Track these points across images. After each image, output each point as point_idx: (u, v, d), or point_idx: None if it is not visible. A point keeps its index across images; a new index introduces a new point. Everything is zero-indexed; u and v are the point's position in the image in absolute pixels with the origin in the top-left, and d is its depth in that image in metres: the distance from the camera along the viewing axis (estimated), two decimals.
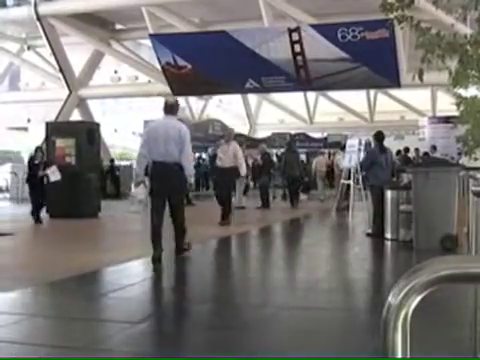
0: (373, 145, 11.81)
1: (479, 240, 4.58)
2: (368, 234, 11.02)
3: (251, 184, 24.30)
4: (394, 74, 22.54)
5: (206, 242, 10.72)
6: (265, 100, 44.13)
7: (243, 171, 13.99)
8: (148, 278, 7.63)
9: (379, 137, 11.42)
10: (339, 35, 21.81)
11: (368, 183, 11.64)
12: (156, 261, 7.87)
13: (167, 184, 8.06)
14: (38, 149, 15.12)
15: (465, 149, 19.23)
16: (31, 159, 14.99)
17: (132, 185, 7.45)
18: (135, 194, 8.07)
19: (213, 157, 20.35)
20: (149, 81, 30.94)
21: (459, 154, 21.06)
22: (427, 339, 3.95)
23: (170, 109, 8.44)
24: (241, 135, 33.43)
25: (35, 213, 14.18)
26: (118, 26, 31.46)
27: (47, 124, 17.29)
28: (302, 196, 20.93)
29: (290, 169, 18.98)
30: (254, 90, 27.71)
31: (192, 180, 9.25)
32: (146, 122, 33.17)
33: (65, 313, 5.66)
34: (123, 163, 32.89)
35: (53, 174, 14.30)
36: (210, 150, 29.38)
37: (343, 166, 16.93)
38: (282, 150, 24.14)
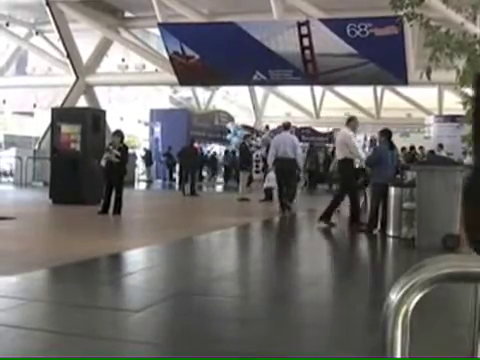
0: (381, 142, 11.64)
1: None
2: (362, 230, 10.98)
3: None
4: (402, 71, 22.49)
5: (210, 233, 10.79)
6: (272, 93, 44.02)
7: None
8: (149, 267, 7.65)
9: (388, 134, 11.37)
10: (348, 30, 21.76)
11: (372, 180, 11.56)
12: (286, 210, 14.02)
13: (285, 170, 13.87)
14: (117, 132, 13.77)
15: (470, 149, 19.17)
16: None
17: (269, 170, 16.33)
18: (269, 177, 15.99)
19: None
20: (156, 70, 30.81)
21: (464, 153, 21.00)
22: (426, 337, 3.95)
23: (285, 127, 14.73)
24: (247, 127, 33.61)
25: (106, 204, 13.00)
26: (127, 14, 31.35)
27: (53, 110, 17.32)
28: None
29: (310, 165, 24.70)
30: (261, 82, 27.66)
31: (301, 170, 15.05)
32: (152, 111, 33.39)
33: (66, 299, 5.65)
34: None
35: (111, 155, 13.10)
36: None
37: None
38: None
